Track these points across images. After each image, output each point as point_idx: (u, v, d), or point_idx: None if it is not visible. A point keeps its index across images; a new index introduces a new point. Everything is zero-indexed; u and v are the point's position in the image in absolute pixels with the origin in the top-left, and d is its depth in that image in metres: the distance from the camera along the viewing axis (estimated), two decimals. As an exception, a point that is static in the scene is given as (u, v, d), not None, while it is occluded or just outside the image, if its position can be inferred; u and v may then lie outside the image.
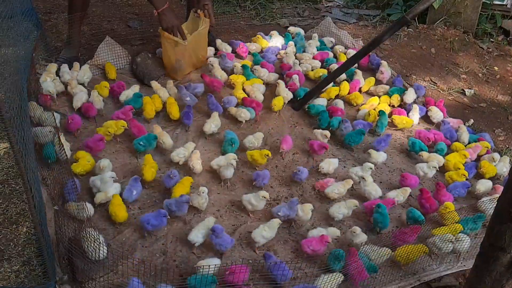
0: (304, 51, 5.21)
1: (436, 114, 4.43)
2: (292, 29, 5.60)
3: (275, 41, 5.32)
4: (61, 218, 2.91)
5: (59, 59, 4.50)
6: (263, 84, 4.57)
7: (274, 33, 5.41)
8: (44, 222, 2.64)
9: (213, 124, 3.95)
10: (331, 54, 5.15)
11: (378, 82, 4.87)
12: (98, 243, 2.70)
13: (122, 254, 2.84)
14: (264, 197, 3.27)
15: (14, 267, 2.78)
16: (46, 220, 2.83)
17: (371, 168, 3.68)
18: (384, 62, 4.94)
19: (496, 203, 2.50)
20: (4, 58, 3.09)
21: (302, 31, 5.55)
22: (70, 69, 4.35)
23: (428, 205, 3.42)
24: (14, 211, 3.12)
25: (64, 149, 3.23)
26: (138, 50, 4.90)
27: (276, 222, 3.10)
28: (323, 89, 4.48)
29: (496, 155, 3.93)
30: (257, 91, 4.37)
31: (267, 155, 3.66)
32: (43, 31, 4.43)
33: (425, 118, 4.54)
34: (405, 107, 4.57)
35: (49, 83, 4.07)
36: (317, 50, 5.22)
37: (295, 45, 5.25)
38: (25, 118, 2.85)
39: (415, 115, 4.43)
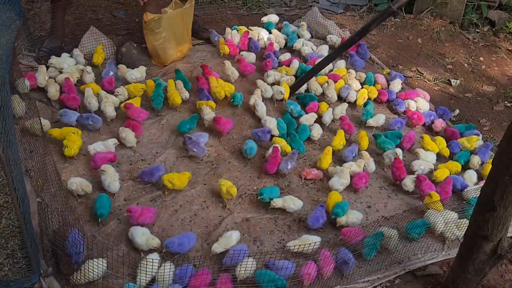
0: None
1: (422, 104, 4.44)
2: (265, 18, 5.45)
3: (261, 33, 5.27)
4: (45, 210, 2.86)
5: (42, 49, 4.43)
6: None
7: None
8: (27, 214, 2.60)
9: None
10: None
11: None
12: None
13: (107, 246, 2.82)
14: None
15: (-2, 260, 2.75)
16: (30, 212, 2.79)
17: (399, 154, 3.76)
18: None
19: (479, 192, 2.54)
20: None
21: (276, 18, 5.50)
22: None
23: (398, 174, 3.58)
24: (-3, 203, 3.08)
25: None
26: (123, 40, 4.84)
27: None
28: (311, 78, 4.47)
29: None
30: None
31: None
32: (25, 20, 4.35)
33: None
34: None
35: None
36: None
37: (287, 36, 5.25)
38: (6, 108, 2.79)
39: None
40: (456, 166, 3.79)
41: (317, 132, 3.97)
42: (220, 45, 4.88)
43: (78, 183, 3.20)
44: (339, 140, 3.87)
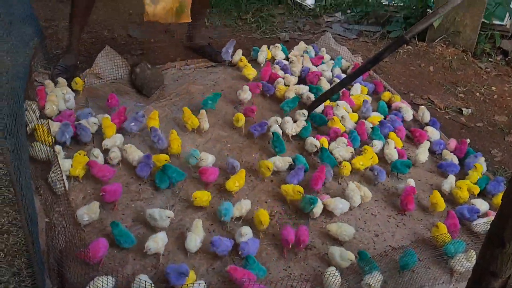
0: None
1: (433, 133, 4.42)
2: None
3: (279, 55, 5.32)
4: (53, 229, 2.88)
5: (57, 67, 4.50)
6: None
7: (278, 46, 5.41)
8: (35, 233, 2.61)
9: None
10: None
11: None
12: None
13: (112, 268, 2.82)
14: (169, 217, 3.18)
15: (3, 278, 2.74)
16: (38, 231, 2.80)
17: None
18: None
19: (489, 227, 2.50)
20: (2, 64, 3.07)
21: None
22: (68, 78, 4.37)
23: (405, 203, 3.58)
24: (6, 220, 3.09)
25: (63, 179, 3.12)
26: (137, 60, 4.90)
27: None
28: (326, 100, 4.50)
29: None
30: None
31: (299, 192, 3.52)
32: (43, 38, 4.44)
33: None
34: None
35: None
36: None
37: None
38: (20, 127, 2.84)
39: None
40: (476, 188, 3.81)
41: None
42: (241, 65, 4.93)
43: (87, 212, 3.16)
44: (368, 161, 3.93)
